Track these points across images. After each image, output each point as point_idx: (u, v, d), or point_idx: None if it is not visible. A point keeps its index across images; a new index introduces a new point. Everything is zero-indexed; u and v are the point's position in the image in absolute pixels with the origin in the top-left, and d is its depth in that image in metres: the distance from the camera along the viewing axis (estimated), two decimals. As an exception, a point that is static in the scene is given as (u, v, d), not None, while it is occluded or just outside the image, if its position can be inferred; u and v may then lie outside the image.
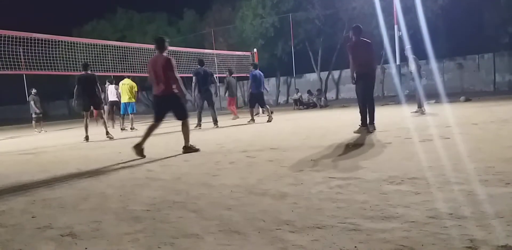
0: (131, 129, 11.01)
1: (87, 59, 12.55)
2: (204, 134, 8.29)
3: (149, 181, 3.72)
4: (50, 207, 2.98)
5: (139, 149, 5.21)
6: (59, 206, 2.99)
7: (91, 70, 8.44)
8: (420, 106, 9.64)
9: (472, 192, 2.55)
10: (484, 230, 1.91)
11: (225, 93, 13.09)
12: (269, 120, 10.46)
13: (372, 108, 6.29)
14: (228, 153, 5.17)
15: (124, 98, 11.11)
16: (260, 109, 14.51)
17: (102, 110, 8.81)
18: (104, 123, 8.61)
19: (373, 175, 3.23)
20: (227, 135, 7.12)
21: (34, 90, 13.34)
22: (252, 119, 10.67)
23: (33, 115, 13.38)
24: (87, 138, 8.20)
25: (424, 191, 2.66)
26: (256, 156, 4.73)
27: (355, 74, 6.28)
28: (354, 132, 6.20)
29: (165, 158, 5.17)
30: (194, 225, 2.31)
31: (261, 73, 10.91)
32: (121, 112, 11.43)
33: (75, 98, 8.31)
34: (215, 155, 5.09)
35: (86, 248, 2.06)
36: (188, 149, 5.43)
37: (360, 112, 6.31)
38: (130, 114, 11.29)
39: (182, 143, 5.49)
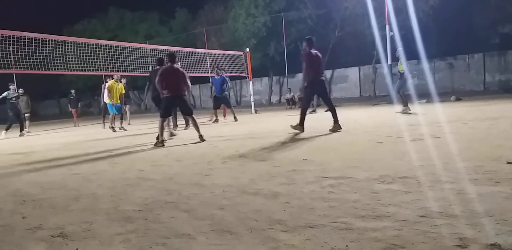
0: (120, 128, 11.17)
1: (78, 58, 12.44)
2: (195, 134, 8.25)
3: (140, 181, 3.70)
4: (40, 208, 2.96)
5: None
6: (50, 207, 2.97)
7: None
8: (406, 105, 9.82)
9: (462, 191, 2.58)
10: (473, 229, 1.93)
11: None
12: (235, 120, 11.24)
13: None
14: (220, 152, 5.16)
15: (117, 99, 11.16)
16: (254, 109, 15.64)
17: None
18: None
19: (365, 174, 3.25)
20: (219, 135, 7.11)
21: (21, 91, 13.00)
22: (216, 120, 11.42)
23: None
24: (161, 142, 6.35)
25: (415, 190, 2.69)
26: (249, 155, 4.74)
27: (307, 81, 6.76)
28: (292, 127, 6.86)
29: (156, 157, 5.16)
30: (186, 225, 2.30)
31: (223, 78, 11.12)
32: (117, 113, 11.30)
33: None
34: (207, 154, 5.08)
35: (77, 249, 2.05)
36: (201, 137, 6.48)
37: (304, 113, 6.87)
38: (119, 114, 11.53)
39: (171, 143, 5.47)
